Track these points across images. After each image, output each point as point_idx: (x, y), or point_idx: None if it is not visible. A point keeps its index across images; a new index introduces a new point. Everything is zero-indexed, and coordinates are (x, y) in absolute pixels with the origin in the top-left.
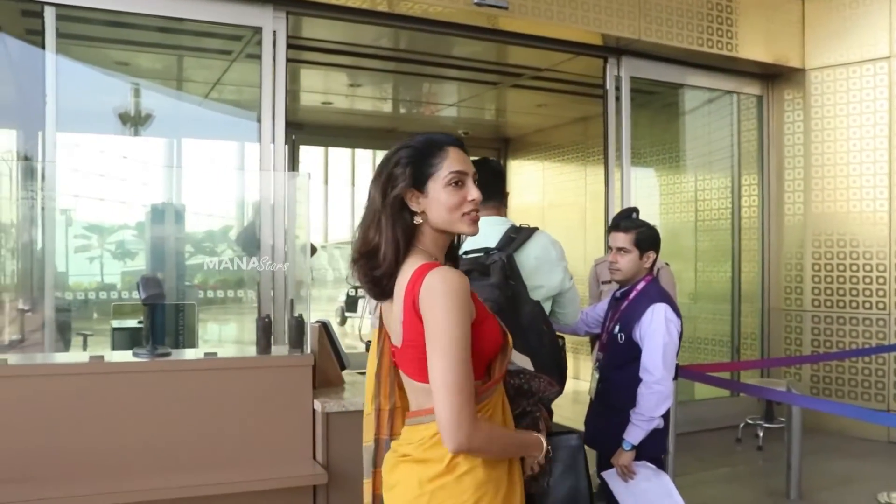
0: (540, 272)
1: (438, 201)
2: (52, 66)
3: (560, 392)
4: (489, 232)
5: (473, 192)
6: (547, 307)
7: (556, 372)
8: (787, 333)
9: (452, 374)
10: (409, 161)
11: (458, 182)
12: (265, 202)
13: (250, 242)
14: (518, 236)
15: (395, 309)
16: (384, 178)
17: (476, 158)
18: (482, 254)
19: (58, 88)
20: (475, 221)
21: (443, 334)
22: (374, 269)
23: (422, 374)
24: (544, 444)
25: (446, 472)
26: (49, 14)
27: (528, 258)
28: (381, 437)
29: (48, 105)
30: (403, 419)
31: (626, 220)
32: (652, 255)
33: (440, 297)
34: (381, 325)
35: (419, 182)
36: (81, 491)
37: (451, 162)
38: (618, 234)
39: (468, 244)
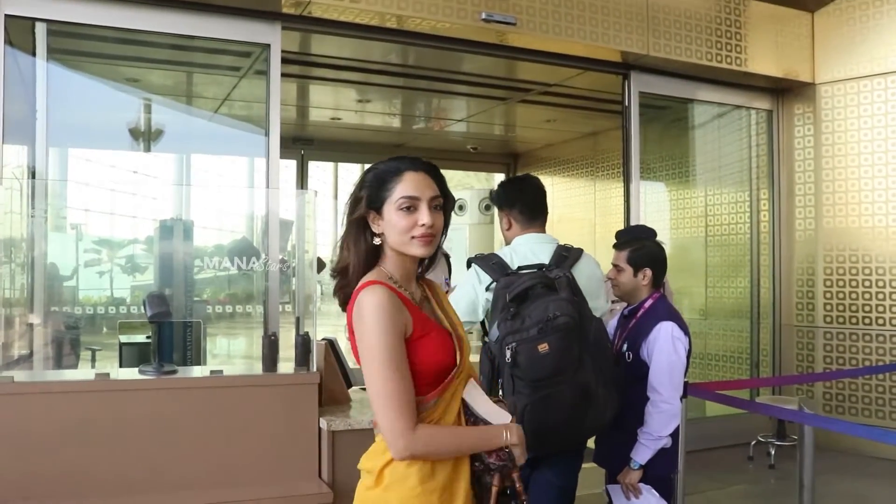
0: (589, 292)
1: (391, 224)
2: (42, 81)
3: (515, 460)
4: (540, 249)
5: (424, 217)
6: None
7: (614, 389)
8: (798, 350)
9: (385, 384)
10: (370, 184)
11: (409, 207)
12: (264, 217)
13: (241, 256)
14: (570, 255)
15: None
16: (351, 200)
17: (521, 175)
18: (536, 269)
19: (48, 103)
20: (427, 244)
21: (372, 348)
22: (346, 285)
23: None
24: (505, 435)
25: (376, 483)
26: (40, 29)
27: (581, 277)
28: None
29: (38, 120)
30: None
31: (622, 238)
32: (648, 272)
33: (366, 314)
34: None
35: (377, 205)
36: None
37: (404, 187)
38: (615, 251)
39: (520, 260)
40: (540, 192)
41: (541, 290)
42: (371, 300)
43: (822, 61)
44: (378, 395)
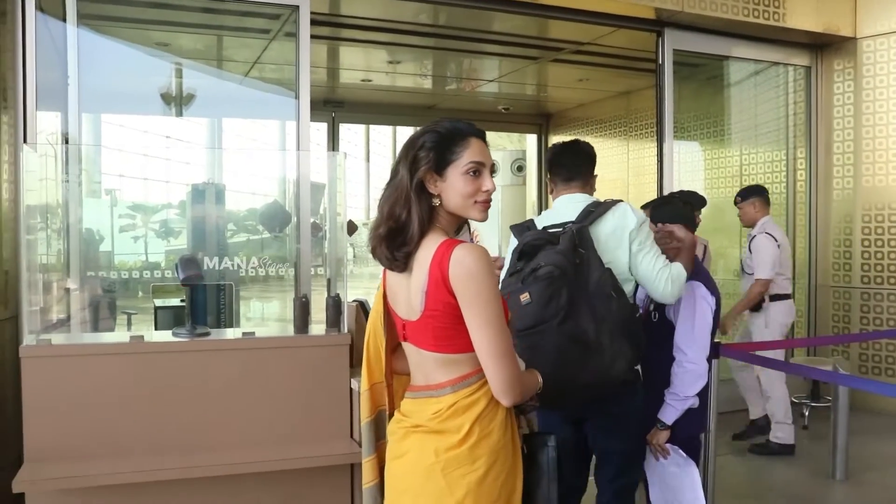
0: (610, 244)
1: (455, 188)
2: (73, 47)
3: (536, 406)
4: (569, 208)
5: (488, 183)
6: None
7: (626, 340)
8: (834, 311)
9: (501, 340)
10: (432, 146)
11: (475, 171)
12: (293, 180)
13: (273, 220)
14: (596, 210)
15: (414, 282)
16: (410, 160)
17: (567, 140)
18: (560, 229)
19: (80, 69)
20: (487, 209)
21: (487, 305)
22: (402, 245)
23: (440, 345)
24: (539, 378)
25: (462, 442)
26: None
27: (606, 227)
28: (391, 409)
29: (70, 86)
30: (394, 394)
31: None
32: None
33: (478, 272)
34: (386, 301)
35: (440, 167)
36: (121, 468)
37: (472, 152)
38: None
39: (547, 220)
40: (569, 154)
41: (547, 246)
42: (478, 258)
43: (865, 15)
44: (495, 346)
